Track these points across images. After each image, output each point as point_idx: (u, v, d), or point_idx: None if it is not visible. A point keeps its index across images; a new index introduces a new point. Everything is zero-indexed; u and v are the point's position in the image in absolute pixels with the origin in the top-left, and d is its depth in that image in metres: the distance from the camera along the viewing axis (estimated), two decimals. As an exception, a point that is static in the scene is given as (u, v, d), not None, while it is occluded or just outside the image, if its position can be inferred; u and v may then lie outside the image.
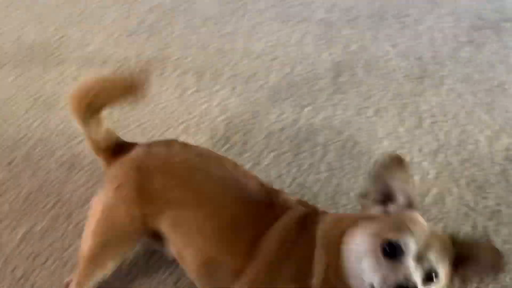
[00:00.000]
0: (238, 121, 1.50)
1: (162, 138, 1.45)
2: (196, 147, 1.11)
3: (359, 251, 0.83)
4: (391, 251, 0.79)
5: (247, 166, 1.33)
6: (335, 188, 1.34)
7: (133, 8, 1.83)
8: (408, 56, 1.62)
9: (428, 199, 1.31)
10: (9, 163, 1.47)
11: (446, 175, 1.35)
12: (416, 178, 1.35)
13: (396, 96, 1.52)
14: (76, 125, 1.49)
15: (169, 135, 1.47)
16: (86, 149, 1.48)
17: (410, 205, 0.86)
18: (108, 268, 1.06)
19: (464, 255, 0.83)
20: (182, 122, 1.51)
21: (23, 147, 1.49)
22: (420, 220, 0.84)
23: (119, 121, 1.48)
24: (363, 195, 0.88)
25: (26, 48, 1.76)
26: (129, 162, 1.02)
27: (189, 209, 0.96)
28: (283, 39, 1.71)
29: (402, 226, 0.81)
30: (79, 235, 1.28)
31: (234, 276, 0.90)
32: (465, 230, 1.26)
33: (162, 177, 0.98)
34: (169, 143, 1.08)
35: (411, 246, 0.79)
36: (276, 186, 1.34)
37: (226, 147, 1.41)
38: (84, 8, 1.84)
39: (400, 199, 0.86)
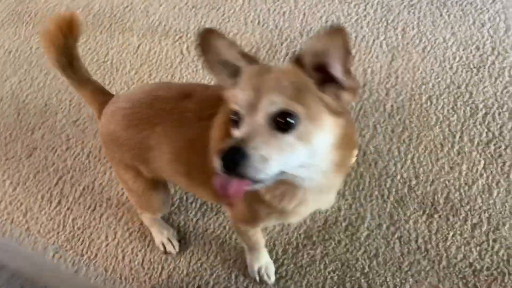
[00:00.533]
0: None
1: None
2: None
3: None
4: (235, 121, 0.72)
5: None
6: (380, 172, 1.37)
7: (195, -19, 1.88)
8: (467, 45, 1.59)
9: (474, 189, 1.31)
10: (75, 121, 1.58)
11: (495, 167, 1.34)
12: (464, 167, 1.35)
13: (451, 85, 1.51)
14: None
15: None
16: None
17: (252, 61, 0.75)
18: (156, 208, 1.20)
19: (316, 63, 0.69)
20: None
21: (88, 107, 1.59)
22: (253, 71, 0.72)
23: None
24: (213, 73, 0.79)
25: (93, 15, 1.85)
26: (103, 119, 1.06)
27: (158, 148, 0.98)
28: (342, 19, 1.72)
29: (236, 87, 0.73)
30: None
31: None
32: (511, 222, 1.27)
33: (126, 130, 0.99)
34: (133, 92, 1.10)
35: (240, 99, 0.70)
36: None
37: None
38: (148, -21, 1.90)
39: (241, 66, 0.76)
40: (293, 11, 1.76)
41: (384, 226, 1.29)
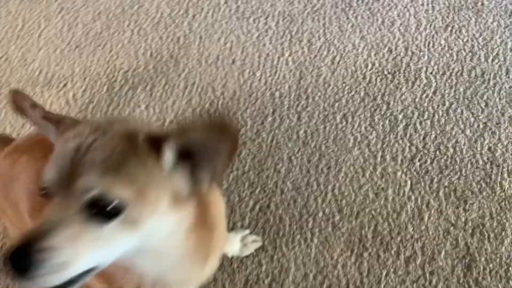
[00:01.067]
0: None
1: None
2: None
3: None
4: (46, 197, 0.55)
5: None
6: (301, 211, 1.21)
7: (77, 16, 1.67)
8: (379, 49, 1.46)
9: (403, 216, 1.18)
10: None
11: (423, 186, 1.21)
12: (390, 191, 1.22)
13: (365, 97, 1.37)
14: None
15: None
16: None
17: (57, 124, 0.60)
18: None
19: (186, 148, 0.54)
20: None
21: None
22: (71, 138, 0.54)
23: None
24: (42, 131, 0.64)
25: (-34, 71, 1.62)
26: None
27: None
28: (242, 38, 1.55)
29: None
30: None
31: None
32: (446, 249, 1.14)
33: None
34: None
35: (48, 174, 0.53)
36: (238, 210, 1.22)
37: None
38: (23, 22, 1.67)
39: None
40: (188, 36, 1.58)
41: (311, 275, 1.14)
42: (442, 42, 1.44)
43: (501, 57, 1.40)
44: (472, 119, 1.30)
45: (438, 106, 1.33)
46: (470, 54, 1.41)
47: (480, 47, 1.42)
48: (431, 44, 1.44)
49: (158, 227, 0.56)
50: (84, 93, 1.50)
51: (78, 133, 0.55)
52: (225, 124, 0.51)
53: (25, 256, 0.48)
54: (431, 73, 1.38)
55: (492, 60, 1.39)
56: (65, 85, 1.53)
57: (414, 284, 1.10)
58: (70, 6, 1.69)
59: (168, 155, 0.54)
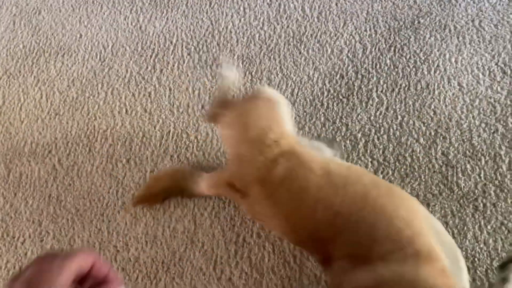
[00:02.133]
0: (175, 184, 1.47)
1: (100, 222, 1.41)
2: None
3: None
4: None
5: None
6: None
7: (53, 86, 1.79)
8: (331, 76, 1.59)
9: (375, 226, 1.29)
10: None
11: (388, 196, 1.32)
12: (360, 205, 1.32)
13: (326, 122, 1.49)
14: (14, 225, 1.46)
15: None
16: (30, 248, 1.44)
17: None
18: None
19: None
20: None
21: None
22: None
23: (55, 214, 1.44)
24: None
25: (-45, 151, 1.71)
26: None
27: None
28: (208, 84, 1.68)
29: None
30: None
31: None
32: (416, 250, 1.24)
33: None
34: None
35: None
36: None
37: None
38: (3, 98, 1.79)
39: None
40: (158, 90, 1.70)
41: None
42: (388, 61, 1.58)
43: (441, 68, 1.53)
44: (424, 128, 1.42)
45: (392, 120, 1.45)
46: (414, 69, 1.55)
47: (422, 61, 1.56)
48: (378, 66, 1.58)
49: None
50: (68, 156, 1.61)
51: None
52: None
53: None
54: (381, 91, 1.51)
55: (434, 72, 1.53)
56: (49, 151, 1.63)
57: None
58: (45, 77, 1.81)
59: None
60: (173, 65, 1.75)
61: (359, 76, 1.56)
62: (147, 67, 1.77)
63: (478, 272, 1.19)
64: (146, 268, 1.36)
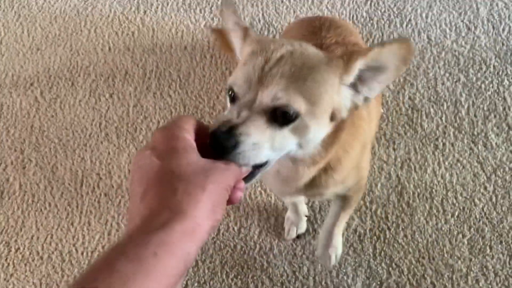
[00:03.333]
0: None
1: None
2: None
3: None
4: (232, 97, 0.65)
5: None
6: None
7: (35, 21, 1.79)
8: (310, 24, 1.67)
9: (345, 160, 1.40)
10: None
11: (358, 134, 1.44)
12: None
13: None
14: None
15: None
16: (12, 175, 1.48)
17: (246, 34, 0.69)
18: None
19: (369, 66, 0.65)
20: (104, 134, 1.53)
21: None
22: (264, 44, 0.64)
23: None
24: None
25: None
26: None
27: None
28: (191, 27, 1.72)
29: (239, 63, 0.66)
30: (22, 262, 1.30)
31: None
32: (381, 182, 1.37)
33: None
34: None
35: (238, 80, 0.62)
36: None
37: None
38: (-17, 30, 1.78)
39: (238, 35, 0.71)
40: (142, 30, 1.74)
41: (273, 219, 1.34)
42: (364, 14, 1.68)
43: (413, 22, 1.64)
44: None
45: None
46: (388, 22, 1.65)
47: (395, 15, 1.66)
48: (354, 17, 1.67)
49: (314, 137, 0.66)
50: (51, 89, 1.64)
51: (264, 47, 0.63)
52: (400, 39, 0.64)
53: (228, 138, 0.57)
54: (356, 40, 1.61)
55: (406, 25, 1.64)
56: (31, 84, 1.65)
57: (357, 213, 1.32)
58: (27, 13, 1.81)
59: (354, 72, 0.64)
60: (157, 7, 1.79)
61: (337, 26, 1.65)
62: (130, 8, 1.79)
63: (434, 201, 1.32)
64: (128, 194, 1.43)
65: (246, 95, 0.62)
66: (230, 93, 0.65)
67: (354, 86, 0.66)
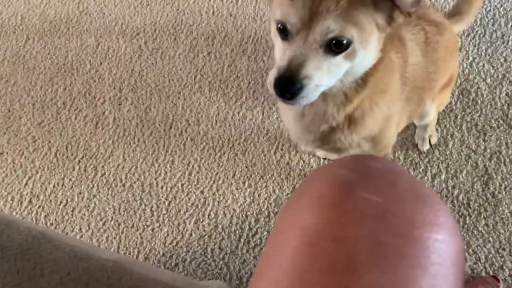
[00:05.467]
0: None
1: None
2: None
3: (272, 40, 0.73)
4: (284, 32, 0.67)
5: (259, 116, 1.43)
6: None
7: (148, -20, 1.93)
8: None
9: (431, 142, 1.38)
10: (40, 123, 1.59)
11: (448, 121, 1.42)
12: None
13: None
14: (97, 88, 1.61)
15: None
16: (108, 109, 1.59)
17: None
18: None
19: None
20: (195, 82, 1.61)
21: (52, 108, 1.60)
22: None
23: (139, 81, 1.58)
24: None
25: (50, 22, 1.87)
26: None
27: None
28: (291, 3, 1.79)
29: None
30: (106, 186, 1.41)
31: None
32: (467, 169, 1.33)
33: None
34: None
35: (292, 18, 0.65)
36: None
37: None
38: (103, -18, 1.93)
39: None
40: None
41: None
42: (468, 10, 1.66)
43: (518, 23, 1.61)
44: (492, 71, 1.50)
45: (463, 60, 1.54)
46: (492, 20, 1.62)
47: (501, 15, 1.63)
48: (458, 12, 1.66)
49: (364, 60, 0.71)
50: (154, 41, 1.75)
51: None
52: None
53: (291, 85, 0.63)
54: (457, 33, 1.60)
55: (511, 27, 1.61)
56: (137, 34, 1.77)
57: (438, 195, 1.29)
58: (142, -28, 1.95)
59: None
60: (263, -19, 1.87)
61: (438, 18, 1.65)
62: (237, -21, 1.89)
63: (522, 196, 1.27)
64: (213, 142, 1.49)
65: (300, 33, 0.65)
66: (280, 28, 0.67)
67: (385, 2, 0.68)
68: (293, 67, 0.64)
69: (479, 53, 1.55)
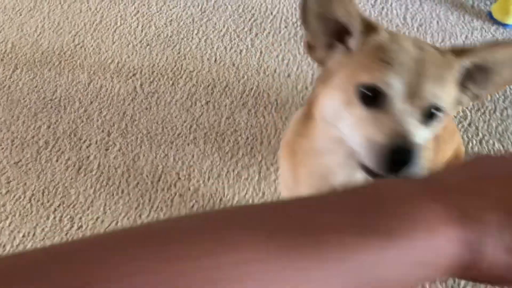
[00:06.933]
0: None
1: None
2: None
3: (332, 108, 0.63)
4: (370, 98, 0.60)
5: (256, 179, 1.33)
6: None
7: (151, 20, 1.85)
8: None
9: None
10: (16, 162, 1.46)
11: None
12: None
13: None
14: (83, 129, 1.50)
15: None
16: (94, 153, 1.47)
17: (370, 28, 0.63)
18: None
19: (479, 65, 0.64)
20: (190, 132, 1.51)
21: (33, 147, 1.48)
22: (400, 41, 0.62)
23: (130, 127, 1.47)
24: (310, 45, 0.68)
25: (42, 53, 1.77)
26: None
27: None
28: (298, 57, 1.73)
29: (376, 60, 0.60)
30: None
31: None
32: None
33: None
34: None
35: (395, 84, 0.59)
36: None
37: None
38: (101, 18, 1.86)
39: (355, 26, 0.64)
40: (250, 49, 1.75)
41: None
42: (478, 84, 1.62)
43: (530, 103, 1.56)
44: (503, 150, 1.44)
45: (472, 136, 1.47)
46: (503, 96, 1.58)
47: (512, 92, 1.59)
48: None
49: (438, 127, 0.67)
50: (151, 83, 1.65)
51: (401, 44, 0.61)
52: None
53: (408, 153, 0.56)
54: (466, 108, 1.54)
55: (522, 105, 1.56)
56: (134, 74, 1.68)
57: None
58: (145, 11, 1.88)
59: (465, 68, 0.64)
60: (269, 33, 1.81)
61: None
62: (243, 28, 1.83)
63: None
64: (203, 200, 1.37)
65: (402, 99, 0.59)
66: (363, 93, 0.60)
67: (463, 82, 0.66)
68: (402, 137, 0.58)
69: (489, 130, 1.49)
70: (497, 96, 1.58)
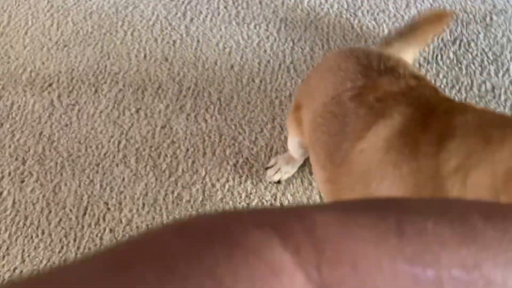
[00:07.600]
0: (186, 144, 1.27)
1: (94, 172, 1.21)
2: None
3: None
4: None
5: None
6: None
7: (67, 15, 1.58)
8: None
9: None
10: None
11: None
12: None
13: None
14: None
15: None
16: (7, 188, 1.24)
17: None
18: None
19: None
20: (119, 150, 1.28)
21: None
22: None
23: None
24: None
25: None
26: None
27: None
28: (242, 43, 1.48)
29: None
30: None
31: None
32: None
33: None
34: None
35: None
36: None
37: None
38: (9, 18, 1.57)
39: None
40: (185, 39, 1.50)
41: None
42: (451, 55, 1.39)
43: (511, 72, 1.34)
44: (484, 135, 1.23)
45: (448, 120, 1.26)
46: (479, 68, 1.35)
47: (490, 61, 1.37)
48: (439, 57, 1.39)
49: None
50: (70, 94, 1.40)
51: None
52: None
53: None
54: (440, 85, 1.32)
55: (503, 75, 1.34)
56: (50, 85, 1.42)
57: None
58: (60, 4, 1.60)
59: None
60: (206, 16, 1.55)
61: (416, 65, 1.36)
62: (176, 13, 1.56)
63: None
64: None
65: None
66: None
67: None
68: None
69: (467, 110, 1.28)
70: (473, 68, 1.36)
